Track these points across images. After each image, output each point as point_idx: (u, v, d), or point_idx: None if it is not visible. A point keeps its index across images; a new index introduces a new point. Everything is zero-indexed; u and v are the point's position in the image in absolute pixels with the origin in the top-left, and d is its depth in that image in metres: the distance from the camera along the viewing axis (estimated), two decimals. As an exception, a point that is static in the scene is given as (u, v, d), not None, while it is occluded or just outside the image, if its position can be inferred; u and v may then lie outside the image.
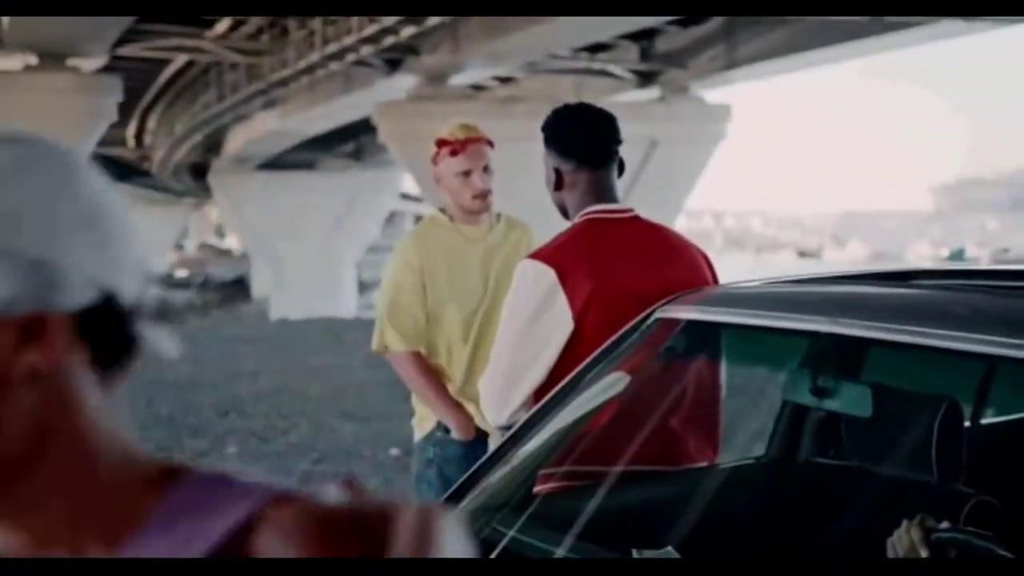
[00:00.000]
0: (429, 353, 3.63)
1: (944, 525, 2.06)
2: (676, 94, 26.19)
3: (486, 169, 3.55)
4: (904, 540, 2.08)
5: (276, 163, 38.56)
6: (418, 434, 3.69)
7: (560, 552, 2.26)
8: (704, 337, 2.77)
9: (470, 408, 3.56)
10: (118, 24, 19.96)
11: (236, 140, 36.49)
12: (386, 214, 54.73)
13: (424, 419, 3.65)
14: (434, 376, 3.61)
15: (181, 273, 68.56)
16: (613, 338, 2.72)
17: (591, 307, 2.82)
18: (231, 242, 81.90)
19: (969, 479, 2.50)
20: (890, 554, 2.10)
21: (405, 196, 63.46)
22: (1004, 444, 3.12)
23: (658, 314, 2.69)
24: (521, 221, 3.77)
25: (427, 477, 3.61)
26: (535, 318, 2.85)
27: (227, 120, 34.11)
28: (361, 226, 43.40)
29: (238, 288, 53.20)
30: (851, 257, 65.20)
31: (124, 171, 49.12)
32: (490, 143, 3.60)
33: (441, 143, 3.56)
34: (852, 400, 2.48)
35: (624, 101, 26.74)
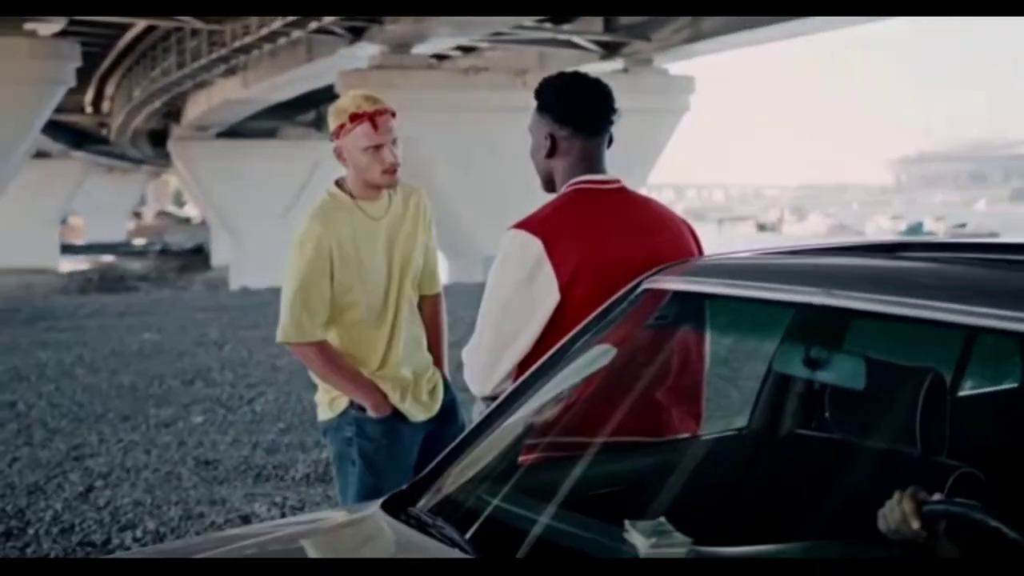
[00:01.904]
0: (338, 335, 3.53)
1: (936, 497, 2.06)
2: (640, 66, 26.16)
3: (395, 142, 3.43)
4: (896, 512, 2.07)
5: (237, 131, 38.24)
6: (328, 413, 3.59)
7: (544, 521, 2.24)
8: (691, 308, 2.76)
9: (385, 387, 3.51)
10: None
11: (196, 107, 36.12)
12: (347, 184, 54.28)
13: (336, 398, 3.56)
14: (343, 360, 3.51)
15: (139, 241, 67.97)
16: (600, 309, 2.70)
17: (578, 278, 2.79)
18: (190, 210, 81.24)
19: (951, 450, 2.52)
20: (881, 526, 2.10)
21: (366, 166, 63.19)
22: (986, 415, 3.14)
23: (645, 285, 2.67)
24: (412, 184, 3.63)
25: (349, 456, 3.54)
26: (521, 289, 2.82)
27: (187, 87, 33.73)
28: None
29: (197, 257, 52.85)
30: (811, 230, 65.56)
31: (81, 138, 48.52)
32: (393, 114, 3.46)
33: (353, 116, 3.39)
34: (844, 372, 2.48)
35: (588, 72, 26.70)
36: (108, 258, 55.65)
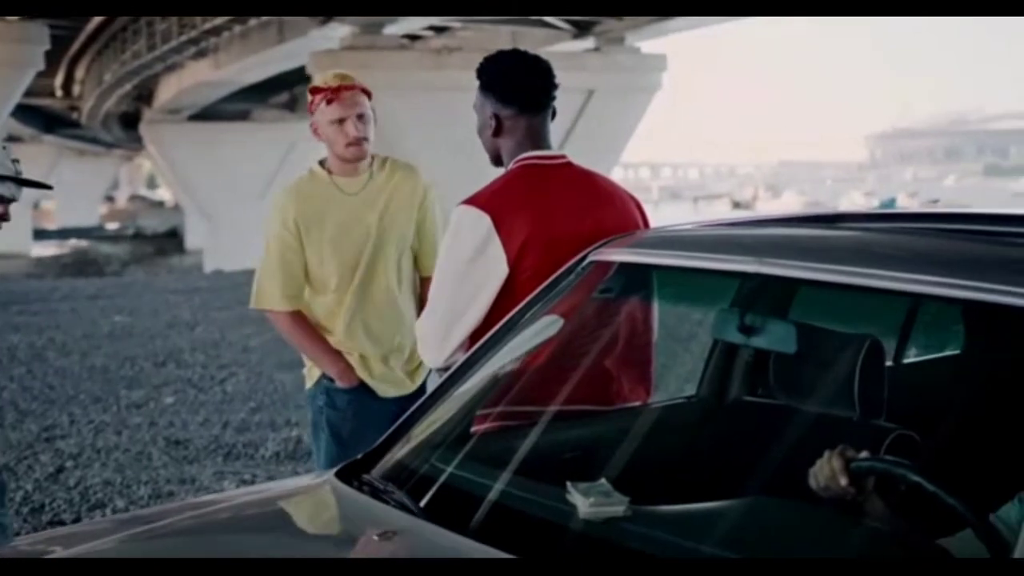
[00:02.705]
0: (310, 306, 3.64)
1: (864, 455, 2.14)
2: (611, 44, 26.18)
3: (361, 117, 3.51)
4: (825, 469, 2.16)
5: (209, 114, 38.07)
6: (308, 383, 3.72)
7: (497, 487, 2.31)
8: (637, 279, 2.83)
9: (352, 359, 3.61)
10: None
11: (168, 90, 35.95)
12: (321, 165, 54.15)
13: (312, 368, 3.69)
14: (313, 330, 3.62)
15: (112, 225, 67.61)
16: (548, 281, 2.77)
17: (526, 252, 2.86)
18: (163, 194, 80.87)
19: (890, 414, 2.60)
20: (811, 484, 2.18)
21: (340, 147, 62.99)
22: (926, 381, 3.22)
23: (592, 257, 2.74)
24: (407, 164, 3.72)
25: (320, 424, 3.66)
26: (471, 263, 2.89)
27: (158, 69, 33.55)
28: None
29: (171, 240, 52.66)
30: (786, 207, 65.80)
31: (52, 122, 48.22)
32: (366, 92, 3.56)
33: (314, 91, 3.53)
34: (777, 338, 2.55)
35: (560, 51, 26.70)
36: (81, 242, 55.37)
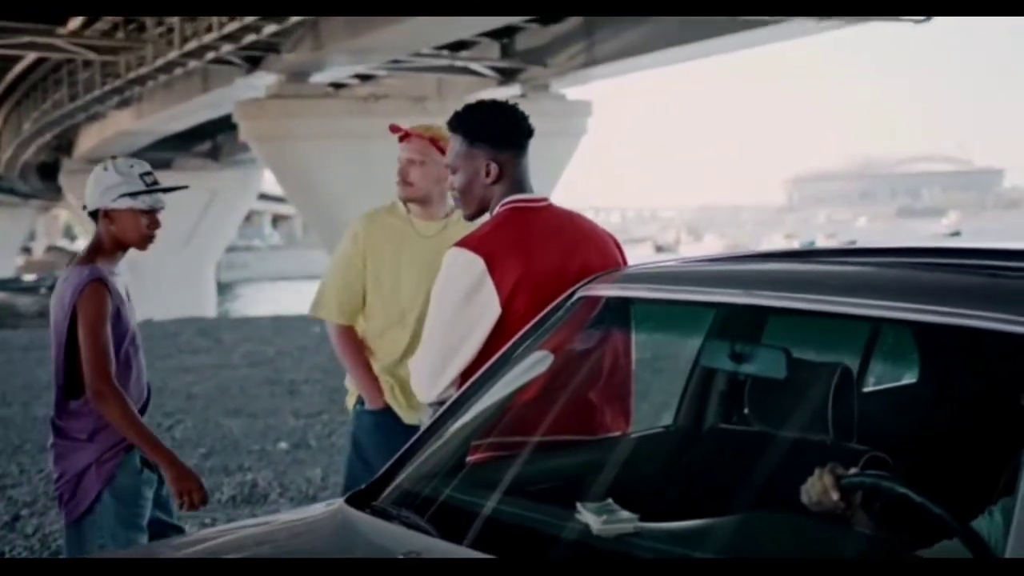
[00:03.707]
0: (364, 325, 3.88)
1: (853, 471, 2.31)
2: (537, 91, 26.54)
3: (412, 162, 3.78)
4: (817, 486, 2.32)
5: (132, 163, 37.73)
6: (349, 403, 4.00)
7: (506, 508, 2.45)
8: (621, 313, 2.98)
9: (386, 386, 3.83)
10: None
11: (89, 139, 35.64)
12: (244, 214, 53.92)
13: (351, 395, 3.95)
14: (359, 348, 3.87)
15: (29, 277, 66.30)
16: (539, 317, 2.91)
17: (517, 293, 3.00)
18: (82, 244, 79.75)
19: (862, 438, 2.77)
20: (804, 499, 2.34)
21: (264, 196, 62.70)
22: (888, 407, 3.41)
23: (581, 292, 2.89)
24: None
25: (349, 445, 3.96)
26: (464, 304, 3.02)
27: (80, 119, 33.29)
28: (220, 226, 42.70)
29: (93, 291, 51.74)
30: (707, 250, 66.67)
31: (-33, 172, 47.42)
32: (437, 145, 3.74)
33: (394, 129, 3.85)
34: (767, 364, 2.72)
35: (486, 97, 27.00)
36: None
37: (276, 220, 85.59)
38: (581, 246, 3.15)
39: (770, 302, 2.60)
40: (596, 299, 2.89)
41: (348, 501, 2.61)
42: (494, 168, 3.12)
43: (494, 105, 3.23)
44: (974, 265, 2.61)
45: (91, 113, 31.90)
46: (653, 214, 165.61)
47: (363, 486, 2.73)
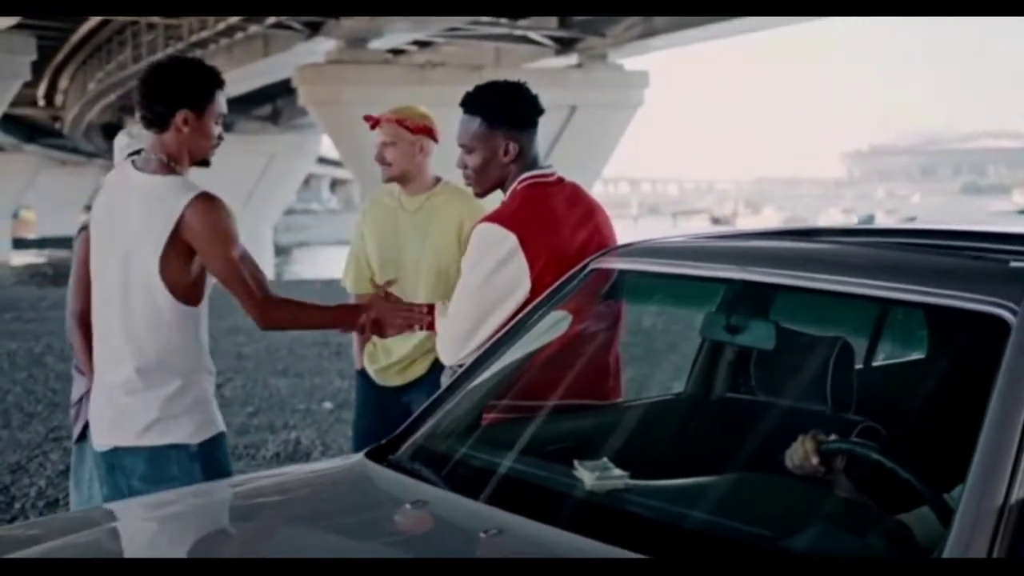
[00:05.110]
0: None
1: (833, 437, 2.47)
2: (594, 61, 26.57)
3: (393, 144, 4.02)
4: (799, 451, 2.48)
5: (193, 125, 38.18)
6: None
7: (511, 465, 2.63)
8: (633, 285, 3.14)
9: (367, 348, 4.18)
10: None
11: (152, 101, 36.09)
12: (303, 178, 54.41)
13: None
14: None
15: (93, 235, 67.17)
16: (553, 287, 3.08)
17: (547, 269, 3.16)
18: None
19: (860, 409, 2.91)
20: (787, 463, 2.50)
21: (323, 160, 63.15)
22: (893, 381, 3.54)
23: (593, 265, 3.05)
24: (458, 189, 4.06)
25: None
26: (494, 276, 3.18)
27: (143, 80, 33.72)
28: (278, 189, 43.20)
29: (154, 251, 52.44)
30: (766, 223, 66.24)
31: (33, 132, 48.27)
32: (404, 125, 4.01)
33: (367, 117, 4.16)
34: (758, 336, 2.88)
35: (543, 67, 27.05)
36: (61, 252, 55.29)
37: (335, 184, 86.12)
38: (593, 220, 3.32)
39: (768, 279, 2.75)
40: (608, 271, 3.05)
41: (367, 455, 2.80)
42: (513, 147, 3.27)
43: (509, 86, 3.36)
44: (967, 247, 2.74)
45: (154, 75, 32.31)
46: (710, 186, 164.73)
47: (383, 441, 2.92)
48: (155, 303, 3.12)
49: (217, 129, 3.28)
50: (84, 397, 3.82)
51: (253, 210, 38.23)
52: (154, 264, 3.09)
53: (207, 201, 3.13)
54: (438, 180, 4.12)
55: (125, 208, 3.18)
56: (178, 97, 3.19)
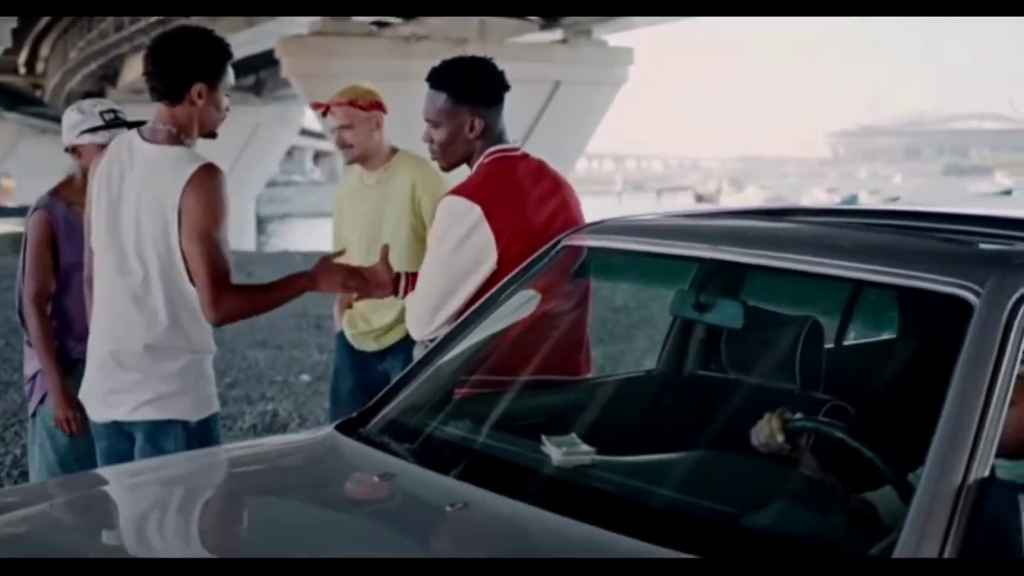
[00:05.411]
0: None
1: (798, 415, 2.49)
2: (579, 37, 26.52)
3: (349, 126, 4.07)
4: (765, 429, 2.50)
5: (175, 95, 37.97)
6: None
7: (479, 440, 2.64)
8: (603, 262, 3.16)
9: (346, 313, 4.25)
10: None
11: (134, 70, 35.87)
12: (286, 149, 54.23)
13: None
14: None
15: (73, 204, 66.96)
16: (525, 263, 3.09)
17: (513, 241, 3.17)
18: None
19: (829, 388, 2.93)
20: (753, 441, 2.52)
21: (306, 132, 62.93)
22: (863, 361, 3.56)
23: (565, 242, 3.06)
24: (413, 157, 4.17)
25: None
26: (459, 248, 3.19)
27: (125, 50, 33.54)
28: (261, 161, 43.05)
29: (135, 220, 52.25)
30: (748, 201, 66.31)
31: (14, 99, 47.96)
32: (356, 105, 4.06)
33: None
34: (726, 315, 2.90)
35: (527, 42, 26.98)
36: (42, 221, 54.86)
37: (318, 156, 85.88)
38: (559, 193, 3.33)
39: (739, 258, 2.76)
40: (579, 248, 3.05)
41: (338, 428, 2.81)
42: (479, 123, 3.28)
43: (476, 62, 3.37)
44: (938, 229, 2.75)
45: (136, 44, 32.12)
46: (695, 164, 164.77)
47: (354, 414, 2.93)
48: (174, 279, 3.10)
49: (226, 101, 3.25)
50: (39, 373, 3.82)
51: (235, 181, 37.95)
52: (174, 240, 3.07)
53: (212, 172, 3.11)
54: (395, 151, 4.17)
55: (133, 180, 3.14)
56: (193, 70, 3.15)
